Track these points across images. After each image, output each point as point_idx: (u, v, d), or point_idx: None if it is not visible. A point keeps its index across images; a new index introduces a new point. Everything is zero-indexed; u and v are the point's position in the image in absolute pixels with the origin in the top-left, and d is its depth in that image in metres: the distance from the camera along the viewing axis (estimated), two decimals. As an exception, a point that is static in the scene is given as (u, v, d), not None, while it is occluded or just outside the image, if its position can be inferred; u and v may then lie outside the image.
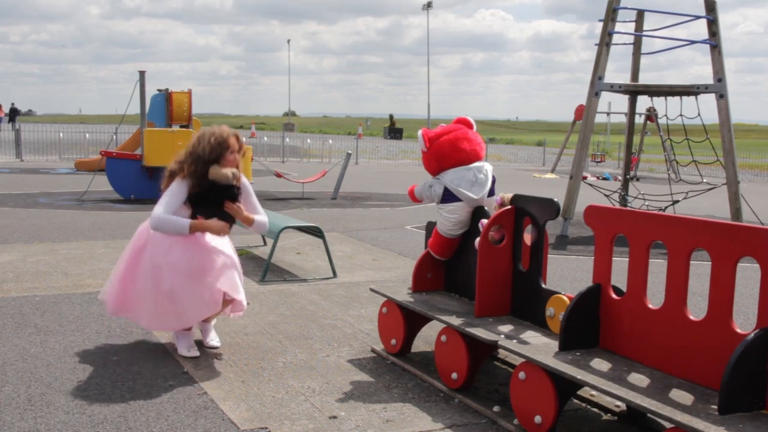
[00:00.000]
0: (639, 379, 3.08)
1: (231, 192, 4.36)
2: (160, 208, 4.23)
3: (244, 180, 4.51)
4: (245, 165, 13.23)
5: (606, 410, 3.68)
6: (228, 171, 4.32)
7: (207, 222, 4.26)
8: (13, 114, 49.97)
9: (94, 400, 3.67)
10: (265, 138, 35.64)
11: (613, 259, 3.46)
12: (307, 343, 4.72)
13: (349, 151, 15.52)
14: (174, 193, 4.29)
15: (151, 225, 4.24)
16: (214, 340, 4.61)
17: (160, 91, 15.11)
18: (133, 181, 12.71)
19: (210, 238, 4.33)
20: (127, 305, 4.39)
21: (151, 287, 4.21)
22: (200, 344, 4.56)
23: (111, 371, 4.10)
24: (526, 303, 3.93)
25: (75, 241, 8.28)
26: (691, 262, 3.11)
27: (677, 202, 10.61)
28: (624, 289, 3.40)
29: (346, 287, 6.36)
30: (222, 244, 4.38)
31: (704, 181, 11.03)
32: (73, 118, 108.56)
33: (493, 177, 4.29)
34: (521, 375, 3.40)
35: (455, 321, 3.86)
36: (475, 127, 4.43)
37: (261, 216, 4.60)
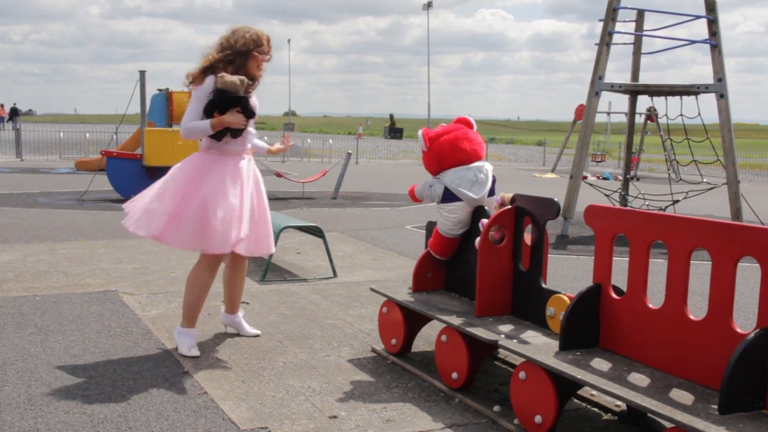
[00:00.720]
0: (639, 378, 3.08)
1: (238, 102, 4.26)
2: (185, 118, 4.33)
3: (254, 100, 4.45)
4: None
5: (606, 410, 3.68)
6: (235, 78, 4.24)
7: (223, 117, 4.22)
8: (14, 114, 50.06)
9: (94, 400, 3.67)
10: (266, 138, 35.61)
11: (614, 258, 3.46)
12: (307, 343, 4.72)
13: (350, 151, 15.52)
14: (195, 99, 4.32)
15: (182, 136, 4.37)
16: (252, 329, 4.82)
17: (160, 90, 15.11)
18: (134, 180, 12.69)
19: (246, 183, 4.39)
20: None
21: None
22: (221, 342, 4.56)
23: (111, 371, 4.10)
24: (526, 303, 3.93)
25: (75, 241, 8.29)
26: (692, 261, 3.11)
27: (677, 201, 10.61)
28: (624, 288, 3.40)
29: (346, 287, 6.36)
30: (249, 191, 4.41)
31: (704, 180, 11.03)
32: (72, 118, 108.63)
33: (494, 177, 4.29)
34: (521, 375, 3.40)
35: (455, 321, 3.86)
36: (475, 127, 4.43)
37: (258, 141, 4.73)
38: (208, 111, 4.24)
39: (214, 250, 4.25)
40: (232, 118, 4.23)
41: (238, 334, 4.84)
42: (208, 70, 4.30)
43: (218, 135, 4.30)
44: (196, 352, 4.40)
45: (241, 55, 4.31)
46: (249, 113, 4.30)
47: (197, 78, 4.31)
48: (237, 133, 4.32)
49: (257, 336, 4.76)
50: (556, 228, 9.90)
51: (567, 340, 3.40)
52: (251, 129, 4.47)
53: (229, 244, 4.22)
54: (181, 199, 4.24)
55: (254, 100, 4.41)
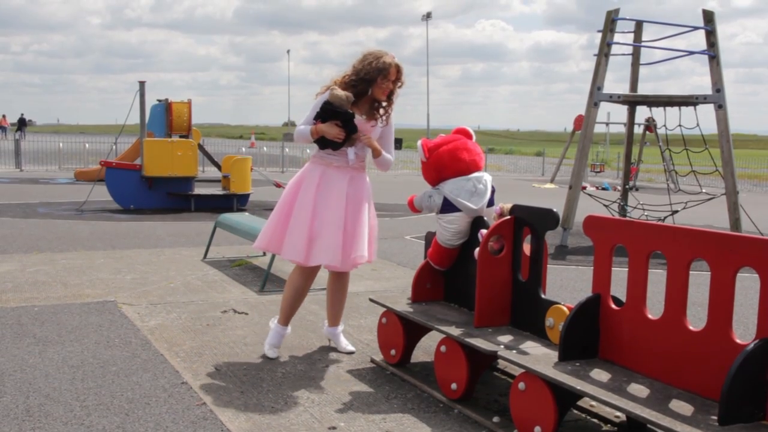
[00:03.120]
0: (639, 389, 3.07)
1: (338, 115, 4.36)
2: (300, 123, 4.57)
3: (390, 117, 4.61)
4: (244, 174, 13.28)
5: (606, 421, 3.67)
6: (342, 93, 4.37)
7: (321, 126, 4.38)
8: (22, 124, 50.35)
9: (93, 411, 3.66)
10: (265, 148, 35.69)
11: (613, 269, 3.46)
12: (306, 354, 4.71)
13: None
14: (312, 107, 4.51)
15: (294, 140, 4.65)
16: (348, 345, 4.78)
17: (159, 101, 15.14)
18: (133, 191, 12.72)
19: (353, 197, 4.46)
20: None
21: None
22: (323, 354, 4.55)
23: (110, 381, 4.09)
24: (525, 313, 3.92)
25: (74, 251, 8.28)
26: (691, 272, 3.11)
27: (676, 212, 10.62)
28: (623, 299, 3.40)
29: (345, 297, 6.35)
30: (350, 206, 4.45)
31: (703, 191, 11.05)
32: (72, 128, 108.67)
33: (493, 187, 4.30)
34: (521, 385, 3.39)
35: (455, 331, 3.86)
36: (474, 137, 4.44)
37: (386, 154, 4.61)
38: (316, 117, 4.44)
39: (286, 256, 4.45)
40: (329, 129, 4.36)
41: (236, 345, 4.84)
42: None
43: (320, 144, 4.45)
44: (273, 353, 4.61)
45: (364, 82, 4.42)
46: (350, 128, 4.37)
47: (323, 89, 4.51)
48: (336, 145, 4.40)
49: (351, 353, 4.72)
50: (555, 238, 9.90)
51: (566, 351, 3.39)
52: (360, 145, 4.49)
53: (300, 254, 4.37)
54: (277, 206, 4.56)
55: (369, 124, 4.49)
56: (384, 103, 4.53)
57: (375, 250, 4.65)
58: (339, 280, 4.75)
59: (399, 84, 4.50)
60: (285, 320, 4.67)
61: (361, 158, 4.55)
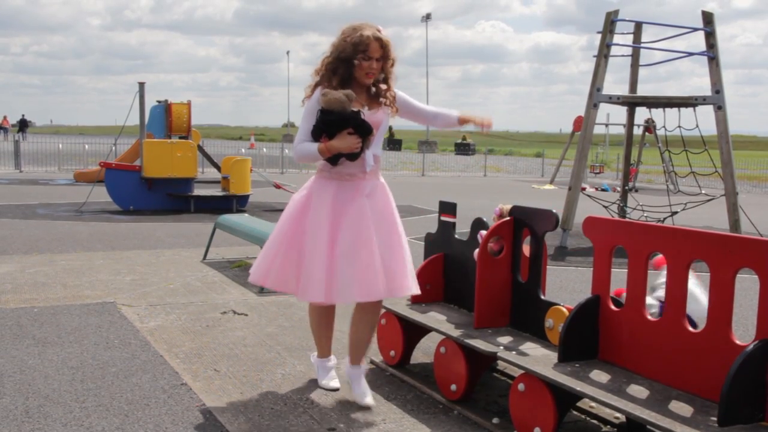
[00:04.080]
0: (638, 390, 3.07)
1: (346, 123, 3.58)
2: (296, 138, 3.75)
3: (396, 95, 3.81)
4: (244, 175, 13.28)
5: (605, 422, 3.67)
6: (338, 94, 3.55)
7: (332, 143, 3.59)
8: (23, 125, 50.48)
9: (92, 412, 3.65)
10: (264, 149, 35.69)
11: (612, 270, 3.46)
12: (306, 355, 4.71)
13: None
14: (303, 115, 3.74)
15: (295, 159, 3.91)
16: (367, 395, 3.83)
17: (159, 102, 15.15)
18: (132, 192, 12.71)
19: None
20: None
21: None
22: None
23: (109, 383, 4.09)
24: (525, 314, 3.92)
25: (74, 252, 8.28)
26: (690, 273, 3.11)
27: (676, 213, 10.62)
28: (623, 300, 3.40)
29: (345, 298, 6.35)
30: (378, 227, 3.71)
31: (703, 192, 11.05)
32: (72, 129, 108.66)
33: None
34: (520, 386, 3.39)
35: (454, 332, 3.86)
36: None
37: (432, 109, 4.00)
38: (315, 134, 3.65)
39: (306, 298, 3.77)
40: (342, 143, 3.58)
41: (236, 346, 4.84)
42: (319, 82, 3.73)
43: (332, 160, 3.67)
44: (334, 385, 4.03)
45: (344, 64, 3.64)
46: (364, 130, 3.62)
47: (308, 91, 3.75)
48: (354, 156, 3.64)
49: (368, 408, 3.78)
50: (554, 239, 9.90)
51: (566, 352, 3.39)
52: (376, 143, 3.78)
53: (320, 293, 3.63)
54: (277, 231, 3.85)
55: (378, 114, 3.74)
56: (383, 86, 3.77)
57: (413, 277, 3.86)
58: (368, 311, 3.89)
59: (389, 62, 3.71)
60: (321, 351, 4.11)
61: (378, 159, 3.83)
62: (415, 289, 3.82)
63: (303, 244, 3.70)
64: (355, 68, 3.63)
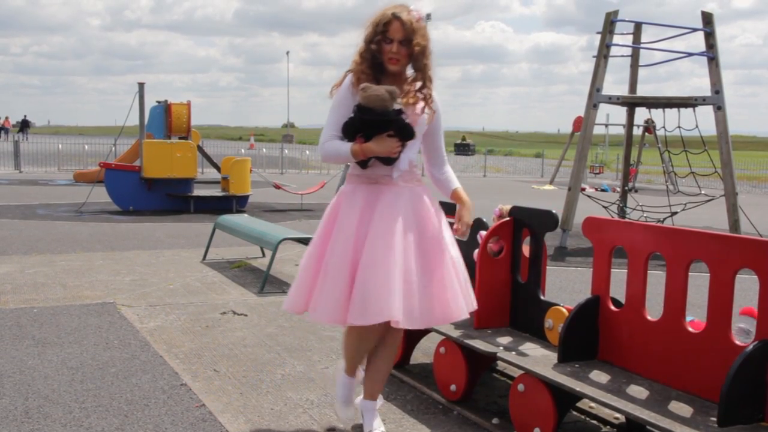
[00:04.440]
0: (638, 391, 3.07)
1: (387, 124, 3.10)
2: (322, 135, 3.25)
3: (433, 101, 3.25)
4: (243, 176, 13.29)
5: (605, 422, 3.67)
6: (380, 89, 3.08)
7: (368, 145, 3.12)
8: (24, 126, 50.61)
9: (92, 413, 3.65)
10: (264, 149, 35.68)
11: (612, 270, 3.46)
12: (305, 355, 4.71)
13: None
14: (332, 107, 3.25)
15: (321, 159, 3.34)
16: (377, 429, 3.38)
17: (159, 102, 15.15)
18: (132, 192, 12.71)
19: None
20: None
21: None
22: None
23: (109, 383, 4.09)
24: (525, 315, 3.92)
25: (73, 253, 8.27)
26: (690, 273, 3.11)
27: (675, 213, 10.62)
28: (623, 300, 3.40)
29: (344, 299, 6.35)
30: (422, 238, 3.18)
31: (702, 192, 11.05)
32: (71, 130, 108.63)
33: None
34: (520, 387, 3.39)
35: (454, 333, 3.86)
36: None
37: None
38: (348, 132, 3.18)
39: (317, 317, 3.22)
40: (381, 146, 3.12)
41: (236, 346, 4.83)
42: (351, 69, 3.26)
43: (362, 163, 3.22)
44: (344, 412, 3.51)
45: (369, 48, 3.18)
46: (406, 134, 3.15)
47: (340, 79, 3.28)
48: (390, 160, 3.19)
49: None
50: (554, 240, 9.90)
51: (566, 352, 3.39)
52: (414, 147, 3.28)
53: (335, 313, 3.13)
54: (309, 251, 3.33)
55: (420, 116, 3.22)
56: (417, 83, 3.21)
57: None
58: (386, 338, 3.35)
59: (415, 45, 3.13)
60: (351, 371, 3.49)
61: (413, 164, 3.31)
62: (461, 314, 3.22)
63: (323, 259, 3.20)
64: (383, 55, 3.16)
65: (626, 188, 12.08)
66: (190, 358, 4.59)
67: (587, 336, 3.44)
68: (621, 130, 13.91)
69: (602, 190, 20.49)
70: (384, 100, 3.07)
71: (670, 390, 3.08)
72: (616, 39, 10.28)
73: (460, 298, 3.22)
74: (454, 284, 3.20)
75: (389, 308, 3.02)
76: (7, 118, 52.68)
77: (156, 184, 12.86)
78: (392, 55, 3.14)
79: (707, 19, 9.90)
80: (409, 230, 3.15)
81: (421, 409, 3.82)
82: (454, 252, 3.25)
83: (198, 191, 13.55)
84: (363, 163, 3.21)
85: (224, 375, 4.28)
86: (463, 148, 46.85)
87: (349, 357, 3.43)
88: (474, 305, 3.34)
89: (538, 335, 3.78)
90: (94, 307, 5.82)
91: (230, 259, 8.07)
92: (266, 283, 6.62)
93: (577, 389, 3.07)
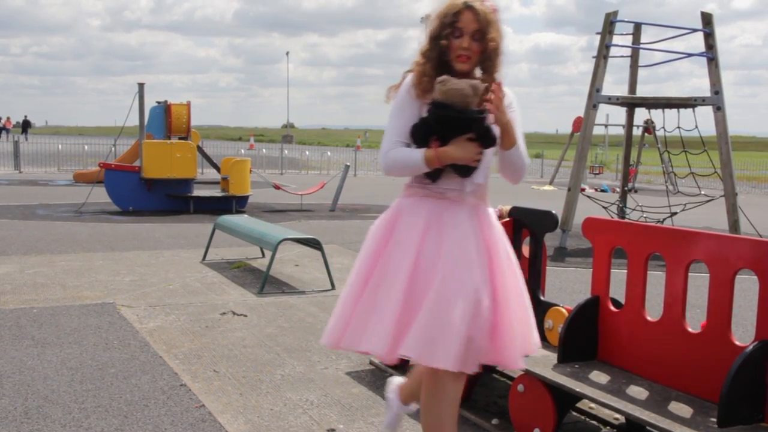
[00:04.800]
0: (638, 391, 3.07)
1: (470, 123, 2.60)
2: (384, 143, 2.73)
3: (506, 96, 2.68)
4: (243, 176, 13.29)
5: (605, 423, 3.66)
6: (463, 83, 2.58)
7: (447, 149, 2.61)
8: (26, 126, 50.73)
9: (91, 413, 3.65)
10: (264, 150, 35.66)
11: (612, 271, 3.46)
12: (305, 356, 4.71)
13: (348, 163, 15.53)
14: (393, 111, 2.74)
15: (383, 171, 2.79)
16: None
17: (159, 103, 15.15)
18: (132, 192, 12.71)
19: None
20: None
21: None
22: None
23: (108, 384, 4.09)
24: (524, 315, 3.92)
25: (73, 253, 8.27)
26: (690, 274, 3.11)
27: (675, 214, 10.62)
28: (622, 301, 3.40)
29: (344, 299, 6.34)
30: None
31: (702, 193, 11.05)
32: (71, 130, 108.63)
33: None
34: (520, 387, 3.39)
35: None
36: None
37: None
38: (420, 135, 2.65)
39: (363, 347, 2.68)
40: (462, 151, 2.60)
41: (235, 347, 4.83)
42: (411, 69, 2.77)
43: (433, 174, 2.69)
44: None
45: (434, 44, 2.69)
46: (489, 140, 2.65)
47: (402, 76, 2.79)
48: (467, 171, 2.68)
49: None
50: (554, 240, 9.90)
51: (565, 353, 3.39)
52: (487, 161, 2.77)
53: (382, 345, 2.58)
54: (354, 277, 2.83)
55: (508, 97, 2.72)
56: (484, 83, 2.64)
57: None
58: (433, 382, 2.71)
59: (490, 40, 2.63)
60: (408, 398, 3.09)
61: (486, 176, 2.80)
62: (534, 348, 2.78)
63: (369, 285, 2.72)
64: (450, 52, 2.66)
65: (626, 189, 12.08)
66: (190, 358, 4.58)
67: (587, 336, 3.44)
68: (621, 131, 13.92)
69: (602, 191, 20.50)
70: (466, 96, 2.56)
71: (670, 390, 3.08)
72: (616, 39, 10.28)
73: (535, 330, 2.78)
74: (530, 317, 2.76)
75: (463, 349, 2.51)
76: (8, 118, 52.77)
77: (156, 184, 12.85)
78: (462, 51, 2.64)
79: (707, 19, 9.90)
80: (484, 256, 2.66)
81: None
82: (522, 282, 2.79)
83: (198, 191, 13.55)
84: (435, 174, 2.67)
85: (224, 375, 4.28)
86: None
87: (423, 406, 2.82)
88: (538, 338, 2.83)
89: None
90: (93, 307, 5.81)
91: (230, 260, 8.07)
92: (266, 283, 6.62)
93: (577, 390, 3.07)
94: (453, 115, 2.58)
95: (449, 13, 2.64)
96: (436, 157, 2.61)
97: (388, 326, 2.57)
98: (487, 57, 2.67)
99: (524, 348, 2.72)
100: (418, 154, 2.63)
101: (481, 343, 2.56)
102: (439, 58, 2.68)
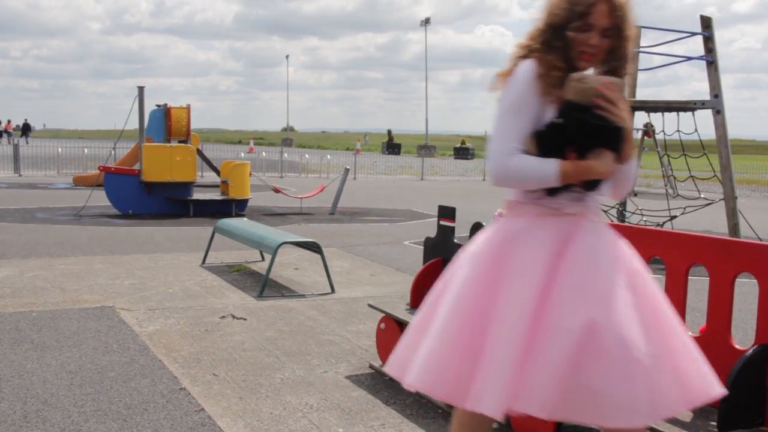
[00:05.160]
0: (638, 395, 3.07)
1: (612, 133, 2.21)
2: (497, 146, 2.26)
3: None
4: (243, 179, 13.29)
5: (605, 427, 3.66)
6: (605, 79, 2.23)
7: (590, 163, 2.20)
8: (26, 129, 50.81)
9: (91, 417, 3.65)
10: (264, 153, 35.69)
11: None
12: (304, 359, 4.71)
13: (348, 167, 15.55)
14: (505, 110, 2.28)
15: (493, 180, 2.29)
16: None
17: (158, 106, 15.15)
18: (132, 196, 12.71)
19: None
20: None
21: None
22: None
23: (108, 387, 4.09)
24: (524, 319, 3.91)
25: (72, 257, 8.27)
26: (690, 277, 3.11)
27: (675, 217, 10.62)
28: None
29: (344, 303, 6.35)
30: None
31: (702, 196, 11.05)
32: (71, 133, 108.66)
33: None
34: (520, 391, 3.38)
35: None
36: None
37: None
38: (553, 145, 2.22)
39: (476, 407, 2.32)
40: (606, 166, 2.22)
41: (235, 351, 4.83)
42: (525, 54, 2.30)
43: (562, 186, 2.24)
44: None
45: (558, 36, 2.25)
46: (623, 153, 2.26)
47: (512, 62, 2.32)
48: (594, 184, 2.29)
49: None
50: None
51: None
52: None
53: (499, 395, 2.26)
54: (448, 312, 2.26)
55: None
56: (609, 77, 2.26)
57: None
58: None
59: (626, 38, 2.29)
60: None
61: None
62: (715, 388, 2.22)
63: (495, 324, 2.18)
64: (575, 45, 2.25)
65: (626, 192, 12.06)
66: (189, 362, 4.58)
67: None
68: (620, 134, 13.91)
69: (602, 194, 20.49)
70: (590, 95, 2.19)
71: (670, 394, 3.07)
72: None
73: (708, 367, 2.25)
74: (694, 349, 2.27)
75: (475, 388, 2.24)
76: (9, 121, 52.84)
77: (155, 187, 12.86)
78: (589, 48, 2.24)
79: (706, 23, 9.91)
80: (626, 285, 2.22)
81: (420, 414, 3.82)
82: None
83: (197, 195, 13.56)
84: (555, 189, 2.25)
85: (223, 379, 4.28)
86: (462, 152, 46.89)
87: None
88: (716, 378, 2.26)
89: (538, 339, 3.78)
90: (93, 310, 5.81)
91: (229, 263, 8.07)
92: (265, 287, 6.62)
93: (577, 393, 3.06)
94: (602, 125, 2.18)
95: (583, 2, 2.22)
96: (575, 172, 2.19)
97: (503, 379, 2.21)
98: (618, 56, 2.30)
99: (709, 386, 2.21)
100: (552, 167, 2.18)
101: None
102: (564, 50, 2.25)
